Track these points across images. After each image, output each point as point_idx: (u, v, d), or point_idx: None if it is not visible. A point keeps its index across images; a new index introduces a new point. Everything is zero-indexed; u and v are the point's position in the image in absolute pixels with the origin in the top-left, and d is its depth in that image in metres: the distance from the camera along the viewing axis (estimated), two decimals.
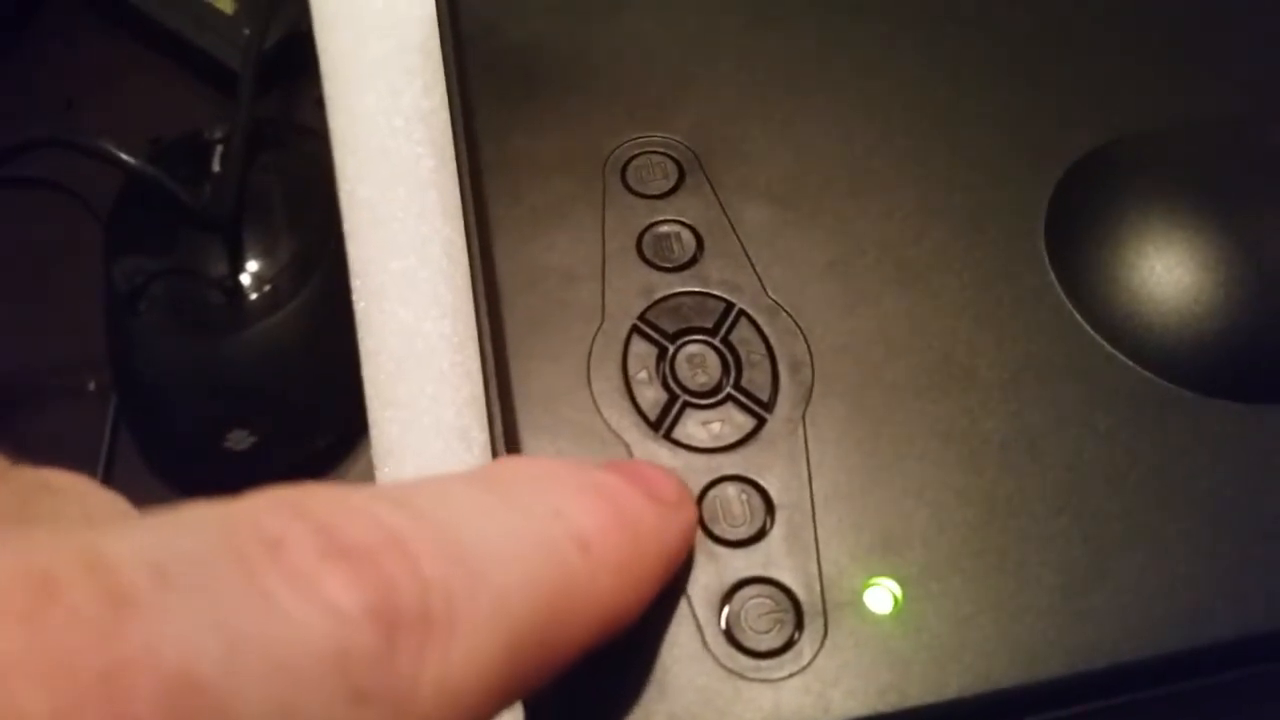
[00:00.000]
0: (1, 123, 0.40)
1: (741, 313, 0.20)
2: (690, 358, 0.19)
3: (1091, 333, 0.19)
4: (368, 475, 0.26)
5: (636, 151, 0.21)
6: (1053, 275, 0.20)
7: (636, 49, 0.22)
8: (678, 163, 0.21)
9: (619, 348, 0.19)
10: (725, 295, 0.20)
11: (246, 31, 0.37)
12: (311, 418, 0.34)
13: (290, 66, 0.39)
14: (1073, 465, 0.18)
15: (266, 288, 0.34)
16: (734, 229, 0.20)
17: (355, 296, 0.28)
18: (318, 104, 0.33)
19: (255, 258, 0.34)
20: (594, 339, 0.19)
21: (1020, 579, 0.17)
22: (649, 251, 0.20)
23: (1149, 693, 0.17)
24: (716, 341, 0.19)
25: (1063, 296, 0.20)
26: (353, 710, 0.10)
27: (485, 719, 0.11)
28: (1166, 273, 0.20)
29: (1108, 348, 0.19)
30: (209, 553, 0.09)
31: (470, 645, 0.11)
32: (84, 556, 0.09)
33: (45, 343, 0.37)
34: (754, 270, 0.20)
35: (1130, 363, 0.19)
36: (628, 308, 0.19)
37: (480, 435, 0.24)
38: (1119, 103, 0.22)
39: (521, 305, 0.19)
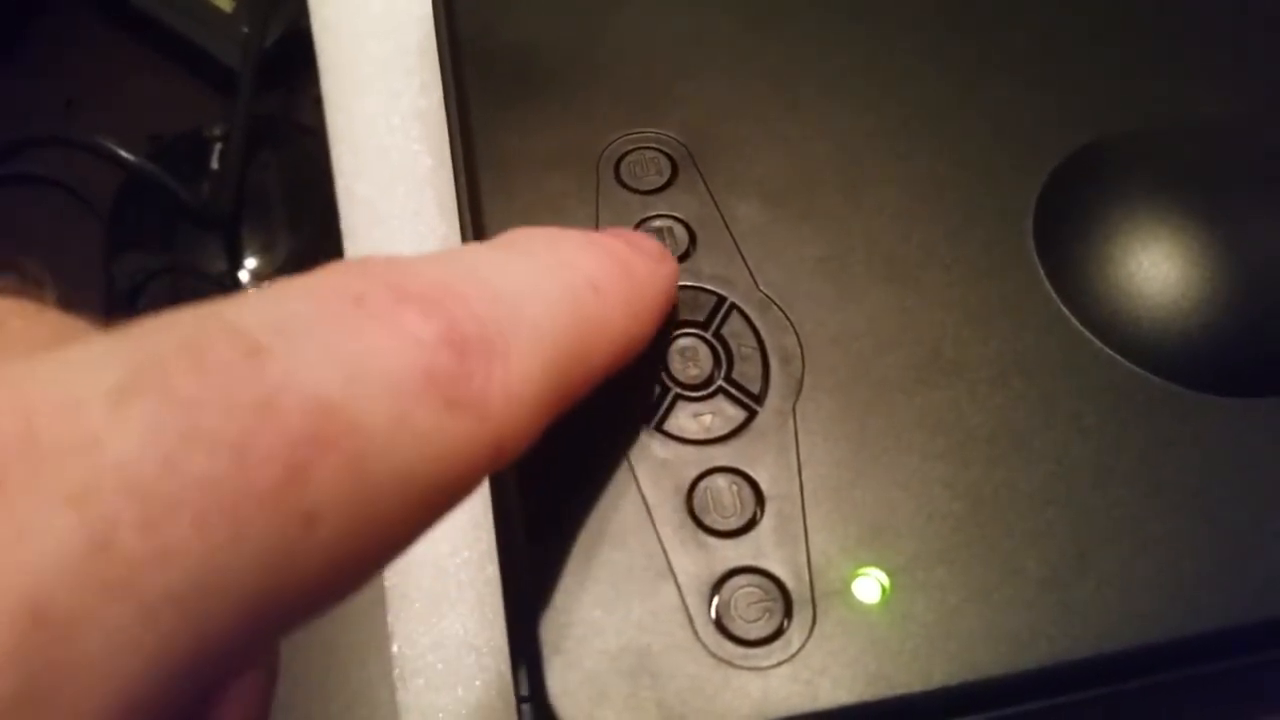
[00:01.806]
0: (2, 122, 0.40)
1: (733, 307, 0.20)
2: (682, 351, 0.19)
3: (1079, 328, 0.20)
4: None
5: (630, 147, 0.21)
6: (1041, 271, 0.20)
7: (631, 46, 0.23)
8: (671, 158, 0.21)
9: None
10: (717, 289, 0.20)
11: (245, 29, 0.37)
12: None
13: (289, 64, 0.39)
14: (1059, 458, 0.18)
15: (265, 285, 0.34)
16: (726, 224, 0.21)
17: None
18: (316, 102, 0.34)
19: (254, 255, 0.34)
20: None
21: (1006, 570, 0.17)
22: None
23: (1132, 683, 0.17)
24: (708, 335, 0.19)
25: (1051, 292, 0.20)
26: (449, 416, 0.12)
27: (541, 424, 0.14)
28: (1153, 269, 0.20)
29: (1095, 343, 0.20)
30: (310, 312, 0.12)
31: (522, 362, 0.13)
32: (220, 325, 0.11)
33: None
34: (746, 265, 0.20)
35: (1117, 357, 0.19)
36: None
37: None
38: (1106, 101, 0.22)
39: None
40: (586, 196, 0.21)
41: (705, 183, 0.21)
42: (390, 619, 0.26)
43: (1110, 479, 0.18)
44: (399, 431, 0.12)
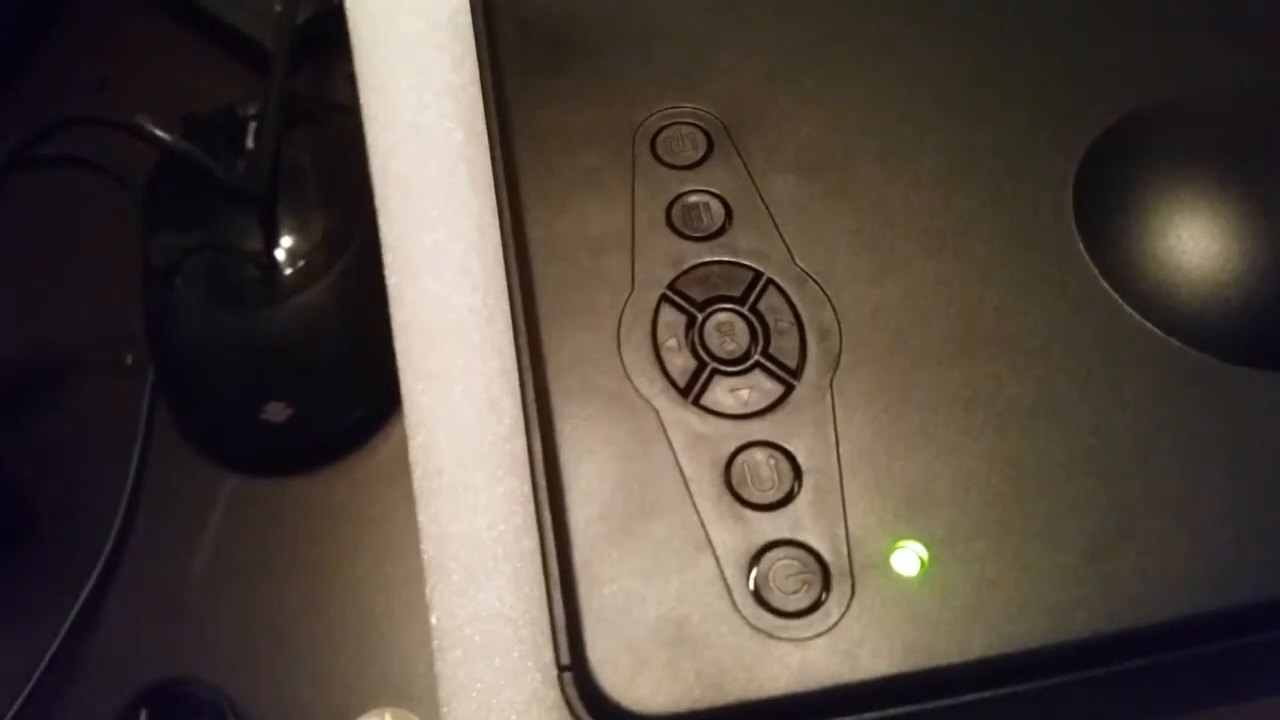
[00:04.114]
0: (38, 103, 0.41)
1: (770, 281, 0.20)
2: (719, 326, 0.19)
3: (1119, 300, 0.20)
4: (401, 445, 0.27)
5: (666, 122, 0.21)
6: (1080, 244, 0.20)
7: (665, 20, 0.23)
8: (706, 133, 0.21)
9: (649, 316, 0.19)
10: (754, 264, 0.20)
11: (278, 7, 0.38)
12: (346, 390, 0.34)
13: (322, 42, 0.40)
14: (1098, 430, 0.18)
15: (301, 262, 0.34)
16: (762, 198, 0.21)
17: (387, 270, 0.28)
18: (349, 79, 0.34)
19: (289, 233, 0.35)
20: (624, 308, 0.19)
21: (1044, 541, 0.17)
22: (678, 221, 0.20)
23: (1171, 655, 0.17)
24: (745, 310, 0.20)
25: (1090, 265, 0.20)
26: None
27: None
28: (1192, 241, 0.20)
29: (1135, 316, 0.19)
30: None
31: None
32: None
33: (83, 318, 0.38)
34: (782, 239, 0.20)
35: (1157, 330, 0.19)
36: (657, 277, 0.20)
37: (511, 406, 0.25)
38: (1146, 72, 0.22)
39: (553, 275, 0.20)
40: (622, 171, 0.21)
41: (741, 157, 0.21)
42: (428, 591, 0.26)
43: (1149, 450, 0.18)
44: None
